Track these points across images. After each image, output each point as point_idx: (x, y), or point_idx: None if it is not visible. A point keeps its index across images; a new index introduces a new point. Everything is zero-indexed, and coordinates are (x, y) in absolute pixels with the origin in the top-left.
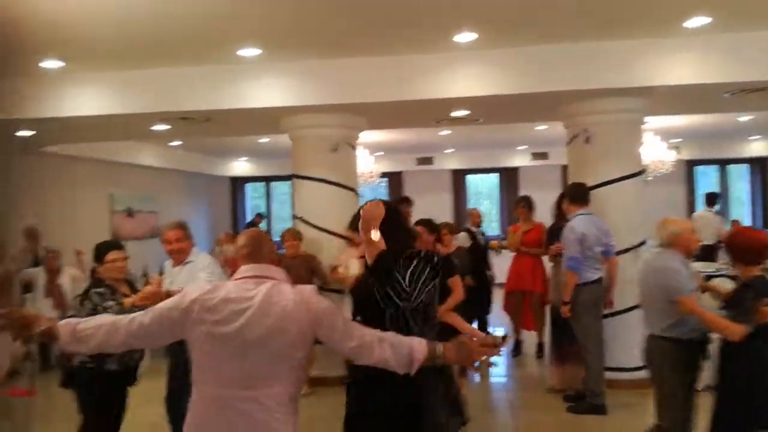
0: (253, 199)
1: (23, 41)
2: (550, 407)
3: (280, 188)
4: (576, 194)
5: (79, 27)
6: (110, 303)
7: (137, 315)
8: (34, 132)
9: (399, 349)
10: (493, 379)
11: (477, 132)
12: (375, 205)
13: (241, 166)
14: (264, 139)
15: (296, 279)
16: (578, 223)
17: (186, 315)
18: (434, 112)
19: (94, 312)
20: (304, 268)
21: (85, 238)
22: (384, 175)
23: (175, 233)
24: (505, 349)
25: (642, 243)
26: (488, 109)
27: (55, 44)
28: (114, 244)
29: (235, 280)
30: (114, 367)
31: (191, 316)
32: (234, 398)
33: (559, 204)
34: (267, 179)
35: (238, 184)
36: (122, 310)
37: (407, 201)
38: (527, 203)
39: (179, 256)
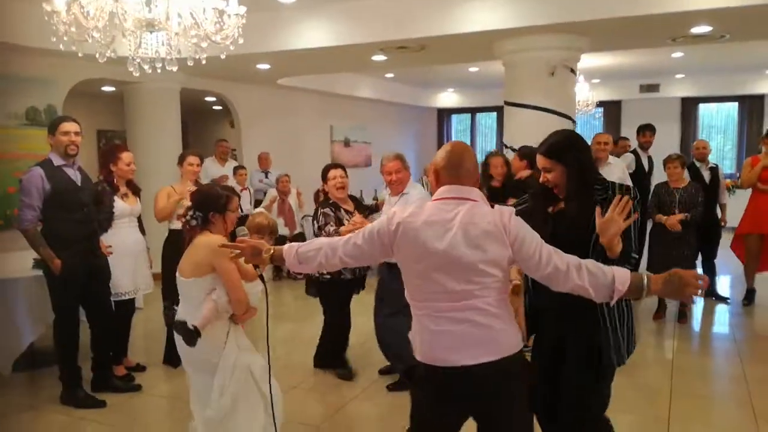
0: (458, 132)
1: None
2: None
3: (484, 120)
4: None
5: None
6: (331, 228)
7: (352, 236)
8: (270, 66)
9: (599, 278)
10: (718, 328)
11: (716, 53)
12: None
13: (447, 98)
14: (473, 68)
15: None
16: None
17: (392, 236)
18: (671, 29)
19: (325, 224)
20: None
21: (309, 165)
22: (600, 104)
23: (395, 164)
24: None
25: None
26: (738, 24)
27: None
28: (334, 164)
29: (435, 200)
30: (348, 276)
31: (396, 238)
32: (447, 309)
33: None
34: (472, 111)
35: (444, 115)
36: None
37: (651, 129)
38: None
39: (398, 187)
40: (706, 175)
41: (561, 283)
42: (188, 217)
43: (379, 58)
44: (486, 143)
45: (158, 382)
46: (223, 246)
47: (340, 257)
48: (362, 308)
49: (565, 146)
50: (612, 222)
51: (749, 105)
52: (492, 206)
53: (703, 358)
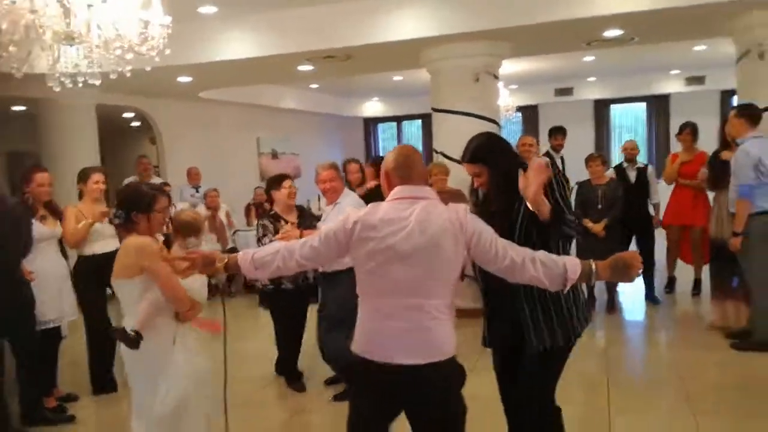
0: (384, 140)
1: None
2: (712, 345)
3: (409, 129)
4: (750, 114)
5: None
6: (268, 239)
7: (308, 239)
8: (192, 78)
9: (552, 269)
10: (645, 317)
11: (625, 56)
12: (543, 165)
13: (372, 107)
14: (397, 77)
15: None
16: (753, 146)
17: (349, 236)
18: (585, 33)
19: (263, 236)
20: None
21: (237, 179)
22: (518, 109)
23: (329, 173)
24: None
25: None
26: (646, 27)
27: None
28: (285, 175)
29: (390, 200)
30: (289, 287)
31: (354, 237)
32: (397, 306)
33: (724, 131)
34: (398, 119)
35: (370, 124)
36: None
37: (562, 131)
38: (693, 130)
39: (332, 195)
40: (632, 175)
41: (517, 275)
42: (112, 215)
43: (305, 68)
44: None
45: (92, 412)
46: (173, 259)
47: (297, 260)
48: (308, 319)
49: (486, 149)
50: (531, 181)
51: (656, 104)
52: (446, 204)
53: (635, 346)
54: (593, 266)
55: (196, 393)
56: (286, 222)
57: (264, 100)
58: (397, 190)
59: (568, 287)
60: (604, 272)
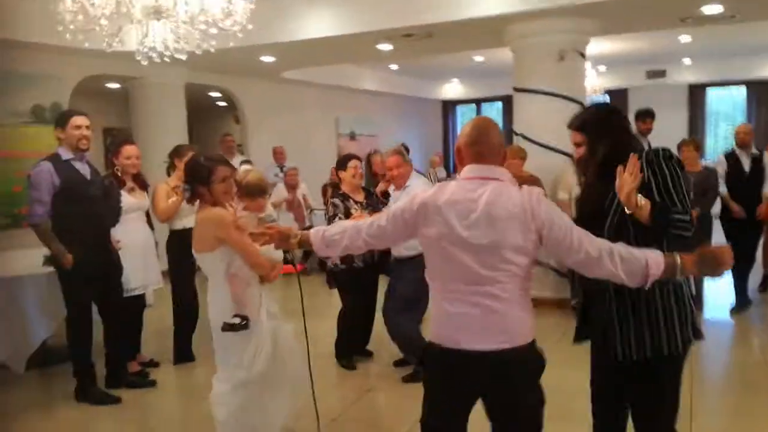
0: (462, 123)
1: None
2: None
3: (489, 112)
4: None
5: None
6: (340, 216)
7: (375, 218)
8: (274, 58)
9: (632, 263)
10: (734, 316)
11: (724, 36)
12: (631, 177)
13: (452, 89)
14: (478, 58)
15: None
16: None
17: (415, 217)
18: (681, 9)
19: (334, 215)
20: None
21: (316, 159)
22: (606, 92)
23: (395, 159)
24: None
25: None
26: (750, 2)
27: None
28: (354, 155)
29: (459, 180)
30: (360, 266)
31: (420, 218)
32: (465, 292)
33: None
34: (477, 102)
35: (449, 106)
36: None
37: (651, 114)
38: None
39: (400, 181)
40: (746, 163)
41: (594, 270)
42: (182, 189)
43: (384, 47)
44: None
45: (172, 378)
46: (251, 234)
47: (364, 239)
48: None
49: (598, 121)
50: (624, 183)
51: (758, 89)
52: (520, 186)
53: (721, 347)
54: (678, 260)
55: (282, 358)
56: (355, 201)
57: (344, 81)
58: (467, 169)
59: (650, 283)
60: (690, 267)
